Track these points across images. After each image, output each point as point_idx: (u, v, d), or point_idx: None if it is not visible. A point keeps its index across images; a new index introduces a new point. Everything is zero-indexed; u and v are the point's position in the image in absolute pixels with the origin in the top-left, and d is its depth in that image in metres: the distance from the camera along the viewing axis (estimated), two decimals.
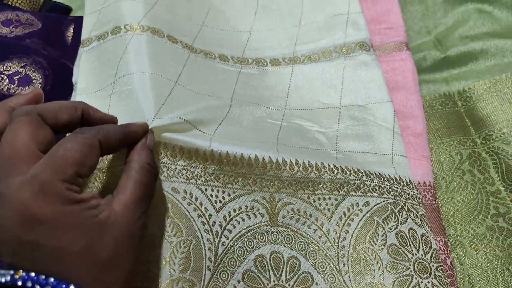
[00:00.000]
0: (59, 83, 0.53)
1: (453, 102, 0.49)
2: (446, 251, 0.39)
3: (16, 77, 0.51)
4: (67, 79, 0.54)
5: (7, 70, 0.51)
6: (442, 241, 0.40)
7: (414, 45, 0.54)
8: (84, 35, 0.51)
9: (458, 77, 0.51)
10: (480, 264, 0.40)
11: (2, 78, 0.50)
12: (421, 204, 0.40)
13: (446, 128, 0.48)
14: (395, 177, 0.41)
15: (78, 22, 0.60)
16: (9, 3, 0.61)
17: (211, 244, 0.35)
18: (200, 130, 0.39)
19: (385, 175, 0.40)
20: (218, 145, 0.37)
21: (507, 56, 0.50)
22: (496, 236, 0.41)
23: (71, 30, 0.60)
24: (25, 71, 0.51)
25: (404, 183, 0.41)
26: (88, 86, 0.46)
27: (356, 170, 0.40)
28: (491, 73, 0.49)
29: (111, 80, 0.43)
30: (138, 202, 0.29)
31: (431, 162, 0.45)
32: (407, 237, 0.37)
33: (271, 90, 0.48)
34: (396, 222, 0.38)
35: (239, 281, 0.34)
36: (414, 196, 0.40)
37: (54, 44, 0.57)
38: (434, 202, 0.42)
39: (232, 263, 0.35)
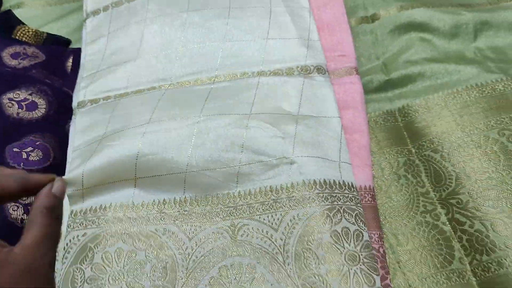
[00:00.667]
0: (61, 108, 0.62)
1: (394, 118, 0.58)
2: (380, 242, 0.48)
3: (24, 103, 0.60)
4: (68, 105, 0.63)
5: (17, 97, 0.60)
6: (377, 234, 0.48)
7: (364, 69, 0.63)
8: (79, 98, 0.63)
9: (400, 97, 0.60)
10: (409, 252, 0.49)
11: (13, 104, 0.59)
12: (359, 205, 0.48)
13: (387, 140, 0.57)
14: (339, 182, 0.49)
15: (77, 53, 0.69)
16: (17, 37, 0.71)
17: (184, 261, 0.47)
18: (171, 171, 0.52)
19: (329, 181, 0.49)
20: (189, 187, 0.51)
21: (440, 78, 0.59)
22: (423, 229, 0.50)
23: (70, 60, 0.69)
24: (32, 98, 0.60)
25: (346, 187, 0.49)
26: (82, 142, 0.58)
27: (307, 182, 0.49)
28: (426, 93, 0.58)
29: (100, 138, 0.56)
30: (40, 243, 0.30)
31: (372, 169, 0.53)
32: (340, 234, 0.46)
33: (238, 97, 0.57)
34: (331, 224, 0.46)
35: (205, 285, 0.46)
36: (353, 198, 0.49)
37: (56, 74, 0.66)
38: (373, 202, 0.50)
39: (200, 273, 0.46)
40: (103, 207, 0.51)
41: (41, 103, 0.61)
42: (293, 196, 0.49)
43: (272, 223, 0.48)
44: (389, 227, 0.51)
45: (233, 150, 0.52)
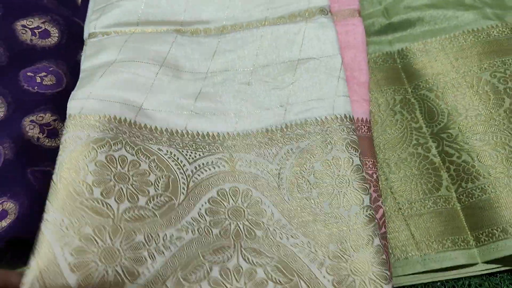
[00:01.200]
0: (73, 38, 0.64)
1: (393, 59, 0.61)
2: (373, 168, 0.52)
3: (37, 30, 0.62)
4: (79, 35, 0.65)
5: (30, 25, 0.62)
6: (371, 161, 0.52)
7: (366, 13, 0.66)
8: (90, 29, 0.64)
9: (399, 40, 0.62)
10: (400, 179, 0.53)
11: (26, 31, 0.61)
12: (351, 133, 0.51)
13: (385, 79, 0.60)
14: (331, 117, 0.52)
15: None
16: None
17: (185, 180, 0.50)
18: (180, 105, 0.56)
19: (321, 119, 0.52)
20: (192, 124, 0.54)
21: (438, 23, 0.62)
22: (414, 159, 0.54)
23: None
24: (45, 26, 0.62)
25: (338, 119, 0.52)
26: (91, 65, 0.59)
27: (299, 122, 0.53)
28: (424, 37, 0.61)
29: (111, 62, 0.58)
30: None
31: (370, 104, 0.57)
32: (330, 162, 0.50)
33: (243, 51, 0.60)
34: (322, 154, 0.50)
35: (205, 202, 0.49)
36: (344, 128, 0.51)
37: (67, 5, 0.68)
38: (368, 133, 0.54)
39: (200, 192, 0.50)
40: (107, 117, 0.52)
41: (54, 31, 0.63)
42: (287, 135, 0.53)
43: (267, 157, 0.52)
44: (383, 157, 0.55)
45: (235, 103, 0.57)
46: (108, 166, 0.48)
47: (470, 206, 0.50)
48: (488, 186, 0.49)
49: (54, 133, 0.56)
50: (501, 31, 0.59)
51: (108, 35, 0.63)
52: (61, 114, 0.57)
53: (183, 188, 0.50)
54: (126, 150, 0.50)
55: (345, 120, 0.52)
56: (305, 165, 0.50)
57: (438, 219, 0.50)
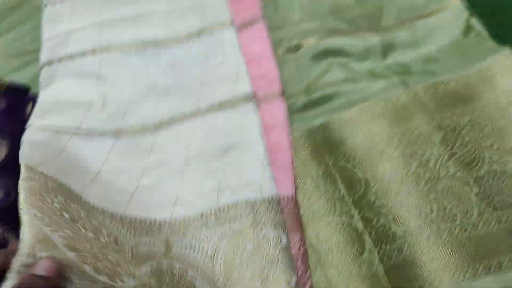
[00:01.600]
0: None
1: (314, 135, 0.66)
2: (301, 242, 0.55)
3: None
4: None
5: None
6: (298, 235, 0.56)
7: (290, 93, 0.71)
8: (28, 123, 0.68)
9: (320, 115, 0.68)
10: (327, 249, 0.56)
11: None
12: (278, 213, 0.56)
13: (309, 155, 0.64)
14: (260, 200, 0.57)
15: (36, 99, 0.77)
16: None
17: (128, 248, 0.53)
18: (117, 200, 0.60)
19: (251, 202, 0.57)
20: (129, 212, 0.58)
21: (352, 95, 0.68)
22: (339, 227, 0.58)
23: (29, 106, 0.76)
24: None
25: (266, 201, 0.57)
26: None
27: (232, 204, 0.57)
28: (341, 109, 0.67)
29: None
30: None
31: (295, 181, 0.61)
32: (261, 242, 0.53)
33: (176, 145, 0.66)
34: (252, 235, 0.54)
35: (147, 271, 0.52)
36: (272, 209, 0.56)
37: (16, 120, 0.73)
38: (295, 209, 0.58)
39: (142, 260, 0.53)
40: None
41: (2, 148, 0.68)
42: (221, 218, 0.57)
43: (203, 241, 0.55)
44: (312, 229, 0.58)
45: (170, 194, 0.61)
46: (68, 208, 0.52)
47: (391, 267, 0.53)
48: (403, 246, 0.53)
49: (3, 245, 0.60)
50: (406, 96, 0.65)
51: (49, 130, 0.66)
52: (9, 226, 0.61)
53: (129, 252, 0.54)
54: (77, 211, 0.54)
55: (272, 202, 0.57)
56: (237, 246, 0.54)
57: (364, 284, 0.53)
